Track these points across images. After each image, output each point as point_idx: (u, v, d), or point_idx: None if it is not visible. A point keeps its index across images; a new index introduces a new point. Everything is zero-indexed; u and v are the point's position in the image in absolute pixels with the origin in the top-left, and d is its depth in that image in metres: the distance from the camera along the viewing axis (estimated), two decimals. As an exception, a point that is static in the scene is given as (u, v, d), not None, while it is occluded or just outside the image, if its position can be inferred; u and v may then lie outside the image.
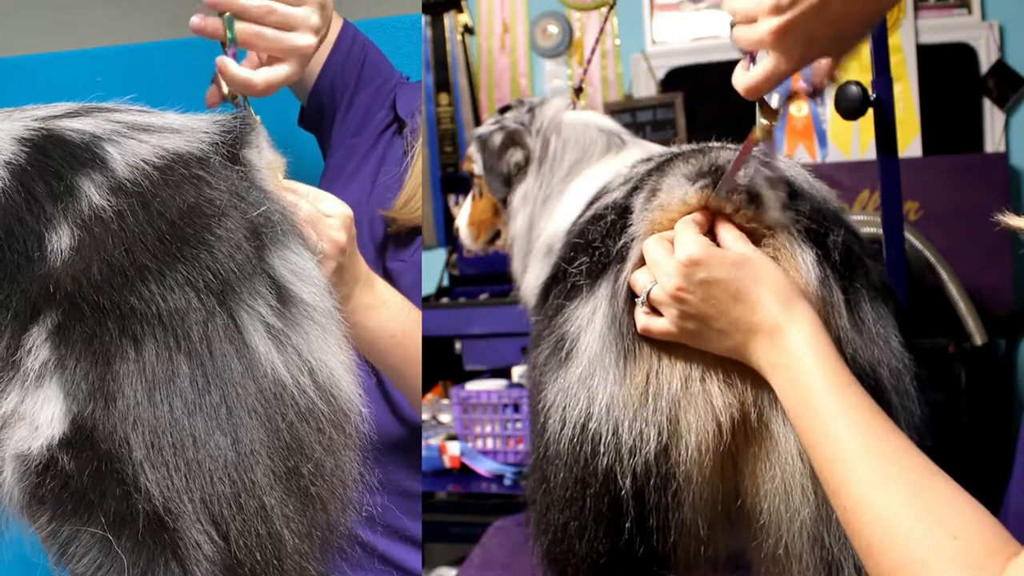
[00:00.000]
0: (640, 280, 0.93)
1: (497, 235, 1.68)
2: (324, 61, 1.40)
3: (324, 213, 1.05)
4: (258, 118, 1.00)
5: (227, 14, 1.02)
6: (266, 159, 0.95)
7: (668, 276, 0.90)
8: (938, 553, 0.73)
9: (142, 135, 0.87)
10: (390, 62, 1.50)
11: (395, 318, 1.18)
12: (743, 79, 0.89)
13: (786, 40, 0.84)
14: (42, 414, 0.78)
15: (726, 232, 0.93)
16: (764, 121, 0.92)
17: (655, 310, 0.92)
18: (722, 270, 0.88)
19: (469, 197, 1.71)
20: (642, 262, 0.94)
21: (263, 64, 1.06)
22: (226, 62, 1.03)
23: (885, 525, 0.76)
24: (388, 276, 1.30)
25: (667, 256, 0.91)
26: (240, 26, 1.02)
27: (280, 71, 1.05)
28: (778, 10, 0.83)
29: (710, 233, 0.93)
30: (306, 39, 1.05)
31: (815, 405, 0.84)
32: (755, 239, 0.93)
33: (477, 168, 1.63)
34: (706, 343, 0.90)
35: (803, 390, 0.85)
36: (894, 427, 0.82)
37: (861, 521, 0.78)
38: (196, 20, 1.02)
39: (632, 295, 0.94)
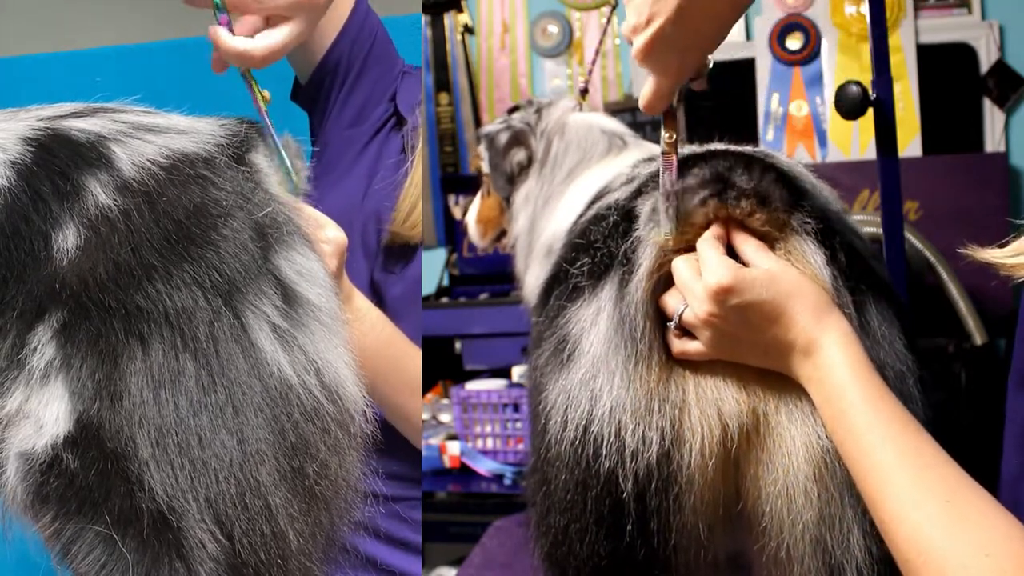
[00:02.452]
0: (671, 303, 0.93)
1: (504, 233, 1.69)
2: (338, 32, 1.29)
3: (322, 240, 1.04)
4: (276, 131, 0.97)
5: None
6: (276, 177, 0.95)
7: (700, 302, 0.89)
8: (971, 572, 0.74)
9: (148, 135, 0.87)
10: (395, 46, 1.42)
11: (370, 333, 1.18)
12: (640, 99, 0.92)
13: (654, 56, 0.86)
14: (47, 412, 0.78)
15: (746, 245, 0.92)
16: (665, 134, 0.93)
17: (686, 332, 0.92)
18: (754, 293, 0.88)
19: (478, 194, 1.73)
20: (657, 268, 0.94)
21: (264, 28, 0.94)
22: (218, 33, 0.92)
23: (919, 543, 0.77)
24: (373, 285, 1.29)
25: (696, 279, 0.90)
26: None
27: (282, 34, 0.93)
28: (635, 31, 0.85)
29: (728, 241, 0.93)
30: None
31: (850, 420, 0.84)
32: (767, 242, 0.93)
33: (485, 166, 1.64)
34: (743, 359, 0.91)
35: (838, 404, 0.85)
36: (927, 438, 0.83)
37: (897, 537, 0.79)
38: None
39: (653, 304, 0.93)
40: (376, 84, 1.36)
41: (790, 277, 0.90)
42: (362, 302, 1.19)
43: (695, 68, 0.90)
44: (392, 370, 1.22)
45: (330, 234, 1.06)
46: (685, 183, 0.95)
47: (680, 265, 0.93)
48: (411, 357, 1.24)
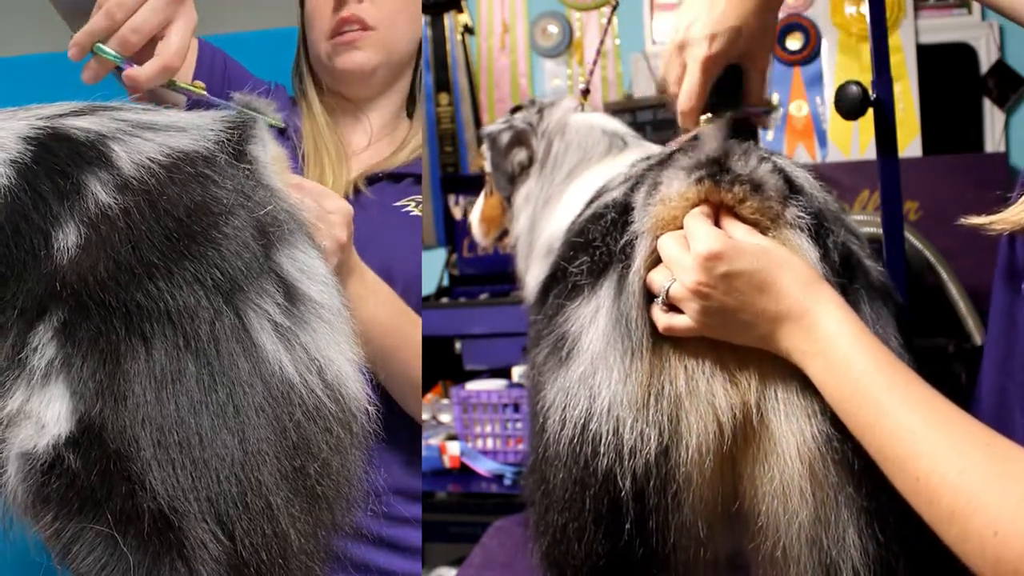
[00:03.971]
0: (658, 279, 0.92)
1: (507, 232, 1.70)
2: (192, 75, 1.36)
3: (327, 210, 1.06)
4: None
5: (96, 45, 1.01)
6: (272, 153, 0.95)
7: (687, 272, 0.89)
8: None
9: (147, 133, 0.87)
10: (250, 72, 1.50)
11: (384, 306, 1.20)
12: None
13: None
14: (48, 412, 0.78)
15: (733, 226, 0.92)
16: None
17: (674, 308, 0.91)
18: (743, 262, 0.88)
19: (482, 193, 1.74)
20: (652, 259, 0.94)
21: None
22: (135, 72, 1.01)
23: (969, 487, 0.75)
24: None
25: (684, 252, 0.90)
26: (112, 41, 1.01)
27: (177, 33, 1.02)
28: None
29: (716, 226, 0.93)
30: None
31: (864, 386, 0.83)
32: (758, 230, 0.93)
33: (487, 166, 1.65)
34: (731, 335, 0.90)
35: (847, 373, 0.84)
36: (943, 396, 0.82)
37: (940, 489, 0.77)
38: (86, 76, 1.02)
39: (647, 294, 0.93)
40: None
41: (780, 251, 0.90)
42: (371, 275, 1.20)
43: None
44: (405, 342, 1.23)
45: (335, 205, 1.07)
46: (681, 163, 0.96)
47: (667, 241, 0.92)
48: (415, 324, 1.25)
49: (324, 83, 1.49)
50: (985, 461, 0.76)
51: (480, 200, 1.74)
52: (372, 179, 1.43)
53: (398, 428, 1.32)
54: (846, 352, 0.85)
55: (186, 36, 1.03)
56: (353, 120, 1.50)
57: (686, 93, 1.09)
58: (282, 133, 1.42)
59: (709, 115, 1.13)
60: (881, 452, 0.82)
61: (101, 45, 1.01)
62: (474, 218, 1.75)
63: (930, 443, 0.79)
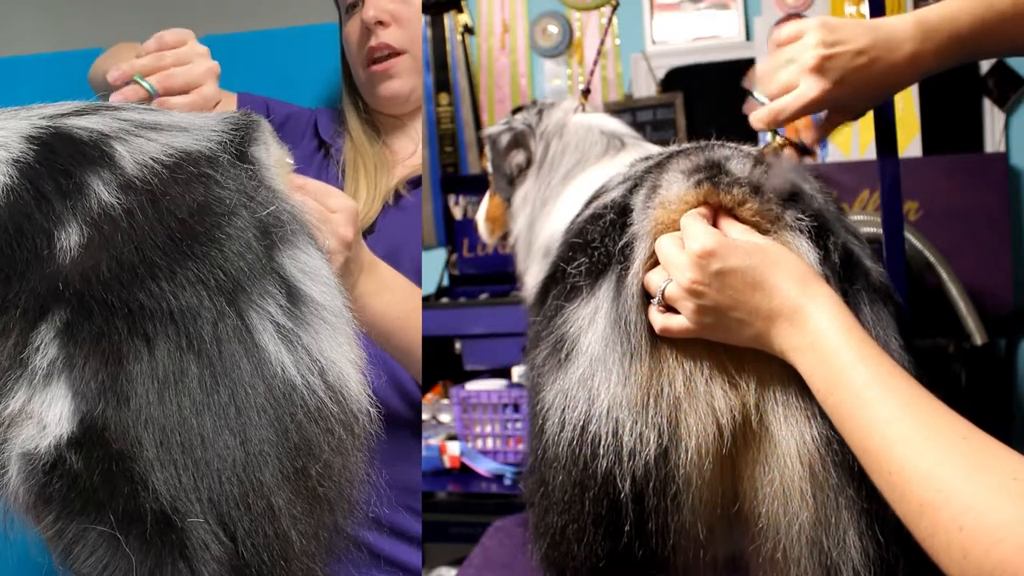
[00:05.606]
0: (654, 280, 0.92)
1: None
2: None
3: (331, 209, 1.06)
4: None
5: (135, 76, 1.14)
6: (274, 156, 0.95)
7: (682, 270, 0.89)
8: (1000, 495, 0.71)
9: (150, 133, 0.87)
10: (295, 104, 1.60)
11: (399, 301, 1.21)
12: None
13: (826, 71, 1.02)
14: (50, 413, 0.78)
15: (731, 227, 0.93)
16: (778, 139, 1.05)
17: (670, 308, 0.91)
18: (737, 259, 0.88)
19: (487, 193, 1.75)
20: (651, 262, 0.94)
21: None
22: (167, 102, 1.14)
23: (939, 479, 0.75)
24: None
25: (679, 251, 0.90)
26: (152, 78, 1.14)
27: (210, 88, 1.18)
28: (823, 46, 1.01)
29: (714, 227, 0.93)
30: (207, 62, 1.18)
31: (847, 378, 0.83)
32: (758, 231, 0.93)
33: (489, 166, 1.66)
34: (726, 335, 0.90)
35: (832, 365, 0.84)
36: (929, 393, 0.82)
37: (911, 482, 0.76)
38: (114, 100, 1.11)
39: (645, 295, 0.93)
40: (290, 133, 1.54)
41: (775, 249, 0.90)
42: (387, 272, 1.20)
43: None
44: (419, 333, 1.24)
45: (340, 203, 1.08)
46: (680, 166, 0.96)
47: (664, 241, 0.92)
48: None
49: (367, 103, 1.57)
50: (959, 455, 0.75)
51: (485, 199, 1.76)
52: (415, 182, 1.49)
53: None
54: (834, 346, 0.85)
55: (215, 96, 1.18)
56: (400, 132, 1.58)
57: (780, 109, 1.06)
58: (326, 154, 1.50)
59: (778, 135, 1.12)
60: (860, 444, 0.82)
61: (140, 77, 1.14)
62: (479, 217, 1.77)
63: (905, 435, 0.78)
